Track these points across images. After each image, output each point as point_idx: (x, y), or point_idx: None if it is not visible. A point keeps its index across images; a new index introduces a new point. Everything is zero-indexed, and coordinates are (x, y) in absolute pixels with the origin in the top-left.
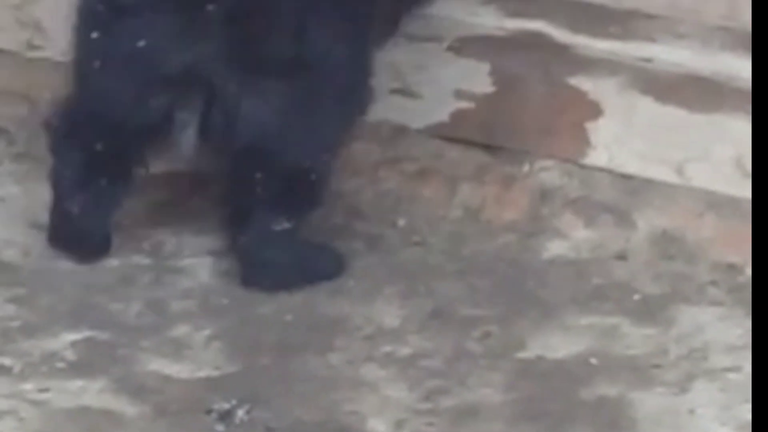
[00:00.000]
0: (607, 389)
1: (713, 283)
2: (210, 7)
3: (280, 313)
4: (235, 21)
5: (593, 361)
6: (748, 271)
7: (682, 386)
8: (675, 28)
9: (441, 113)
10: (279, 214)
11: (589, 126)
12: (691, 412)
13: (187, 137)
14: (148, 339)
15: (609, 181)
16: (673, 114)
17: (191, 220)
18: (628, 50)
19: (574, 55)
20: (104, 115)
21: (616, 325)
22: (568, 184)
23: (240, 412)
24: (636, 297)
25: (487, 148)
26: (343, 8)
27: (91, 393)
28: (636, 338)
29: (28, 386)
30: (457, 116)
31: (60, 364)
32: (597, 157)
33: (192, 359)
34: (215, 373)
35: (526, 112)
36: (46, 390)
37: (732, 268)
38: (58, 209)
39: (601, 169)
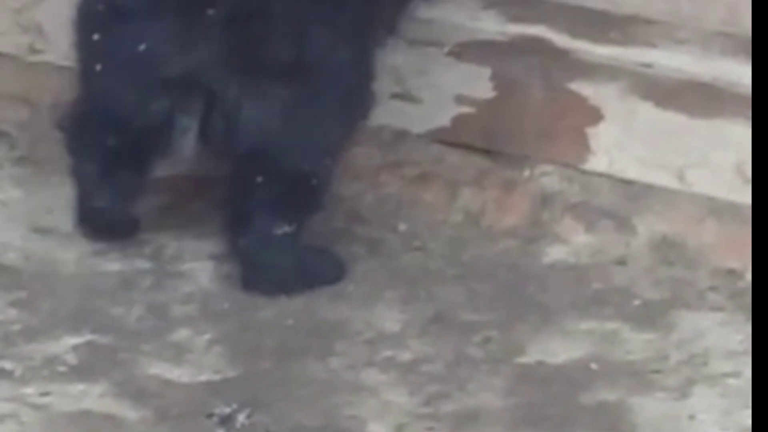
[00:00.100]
0: (608, 394)
1: (713, 288)
2: (210, 12)
3: (280, 318)
4: (234, 25)
5: (593, 366)
6: (749, 276)
7: (683, 391)
8: (675, 34)
9: (442, 118)
10: (280, 218)
11: (590, 131)
12: (692, 417)
13: (188, 141)
14: (149, 343)
15: (609, 186)
16: (673, 119)
17: (192, 224)
18: (628, 55)
19: (574, 60)
20: (109, 116)
21: (616, 330)
22: (568, 189)
23: (241, 417)
24: (636, 302)
25: (488, 153)
26: (343, 11)
27: (92, 397)
28: (636, 343)
29: (29, 390)
30: (458, 121)
31: (61, 368)
32: (597, 162)
33: (193, 363)
34: (216, 378)
35: (526, 117)
36: (47, 394)
37: (732, 273)
38: (83, 205)
39: (601, 175)
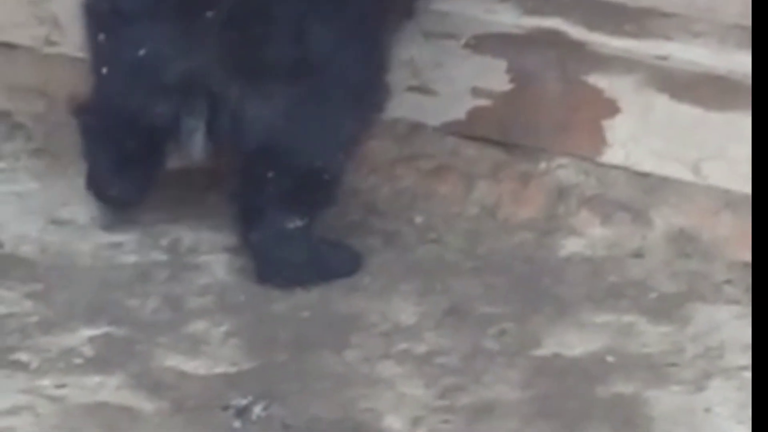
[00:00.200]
0: (623, 387)
1: (729, 281)
2: (209, 14)
3: (296, 310)
4: (233, 27)
5: (609, 359)
6: None
7: (699, 384)
8: (691, 27)
9: (457, 111)
10: (291, 213)
11: (606, 124)
12: (707, 410)
13: (196, 141)
14: (165, 335)
15: (625, 179)
16: (689, 112)
17: (209, 216)
18: (644, 48)
19: (590, 52)
20: (117, 116)
21: (632, 323)
22: (584, 181)
23: (257, 409)
24: (652, 295)
25: (504, 145)
26: (348, 8)
27: (108, 389)
28: (652, 336)
29: (45, 382)
30: (474, 114)
31: (77, 360)
32: (613, 154)
33: (209, 355)
34: (232, 370)
35: (542, 110)
36: (63, 386)
37: (748, 266)
38: (96, 194)
39: (617, 167)
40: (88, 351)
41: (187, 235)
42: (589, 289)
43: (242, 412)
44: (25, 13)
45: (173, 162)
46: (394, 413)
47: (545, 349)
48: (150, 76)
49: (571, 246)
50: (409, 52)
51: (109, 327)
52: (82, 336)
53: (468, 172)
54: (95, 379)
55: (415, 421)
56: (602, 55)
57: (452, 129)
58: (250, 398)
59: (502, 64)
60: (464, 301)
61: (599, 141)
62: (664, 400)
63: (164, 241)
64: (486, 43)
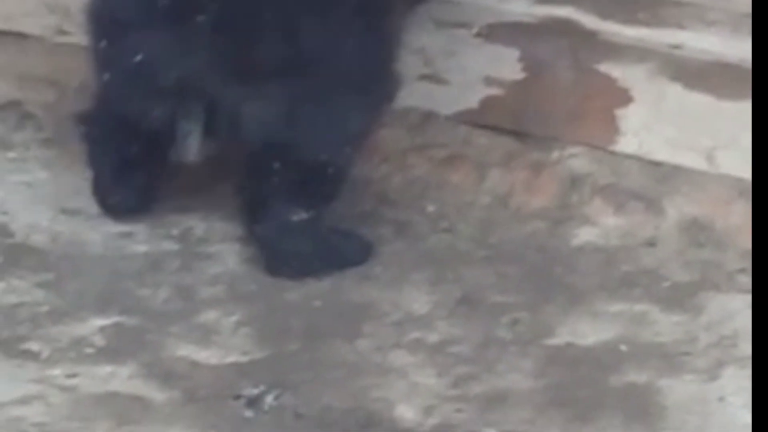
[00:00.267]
0: (637, 376)
1: (742, 270)
2: (199, 18)
3: (308, 300)
4: (224, 29)
5: (622, 348)
6: None
7: (712, 374)
8: (704, 15)
9: (470, 99)
10: (296, 205)
11: (619, 113)
12: (721, 399)
13: (191, 144)
14: (177, 325)
15: (638, 168)
16: (702, 101)
17: (220, 206)
18: (657, 37)
19: (603, 41)
20: (117, 121)
21: (645, 312)
22: (597, 170)
23: (269, 398)
24: (665, 284)
25: (516, 134)
26: (339, 2)
27: (119, 378)
28: (665, 325)
29: (56, 372)
30: (486, 103)
31: (88, 350)
32: (626, 143)
33: (220, 345)
34: (244, 359)
35: (555, 99)
36: (74, 375)
37: None
38: (100, 202)
39: (630, 156)
40: (99, 340)
41: (198, 224)
42: (602, 279)
43: (254, 402)
44: (36, 3)
45: (174, 170)
46: (406, 402)
47: (558, 338)
48: (147, 81)
49: (583, 235)
50: (421, 41)
51: (120, 316)
52: (93, 325)
53: (480, 161)
54: (106, 369)
55: (428, 411)
56: (615, 43)
57: (464, 118)
58: (261, 388)
59: (514, 53)
60: (476, 290)
61: (612, 130)
62: (677, 389)
63: (175, 231)
64: (498, 31)
